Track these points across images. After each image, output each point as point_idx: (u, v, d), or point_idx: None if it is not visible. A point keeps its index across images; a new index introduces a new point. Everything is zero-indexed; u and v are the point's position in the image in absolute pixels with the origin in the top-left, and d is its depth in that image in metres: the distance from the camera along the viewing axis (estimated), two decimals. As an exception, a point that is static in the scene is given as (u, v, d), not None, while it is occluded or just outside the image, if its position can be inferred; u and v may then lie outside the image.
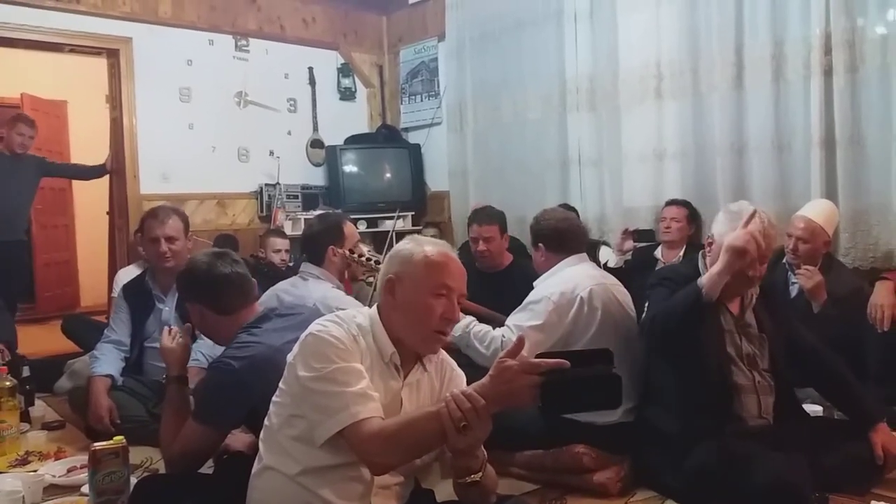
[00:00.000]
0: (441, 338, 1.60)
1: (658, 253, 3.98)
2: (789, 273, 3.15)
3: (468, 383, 1.49)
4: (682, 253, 3.88)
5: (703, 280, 2.09)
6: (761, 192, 3.80)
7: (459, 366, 1.77)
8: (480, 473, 1.49)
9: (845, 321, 2.90)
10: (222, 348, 2.05)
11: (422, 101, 5.92)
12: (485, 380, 1.38)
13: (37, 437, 2.97)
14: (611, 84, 4.44)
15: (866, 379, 2.73)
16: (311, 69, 5.78)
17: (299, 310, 2.16)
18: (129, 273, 3.66)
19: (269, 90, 5.54)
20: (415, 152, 5.83)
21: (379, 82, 6.20)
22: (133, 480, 2.01)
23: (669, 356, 2.27)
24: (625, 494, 2.30)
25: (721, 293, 2.23)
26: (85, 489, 2.13)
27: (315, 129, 5.80)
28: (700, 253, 2.40)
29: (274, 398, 1.61)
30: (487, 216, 3.66)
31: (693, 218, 3.96)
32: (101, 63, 5.14)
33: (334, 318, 1.59)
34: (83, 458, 2.31)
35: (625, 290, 2.69)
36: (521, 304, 2.60)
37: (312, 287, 2.81)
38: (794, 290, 3.12)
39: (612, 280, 2.69)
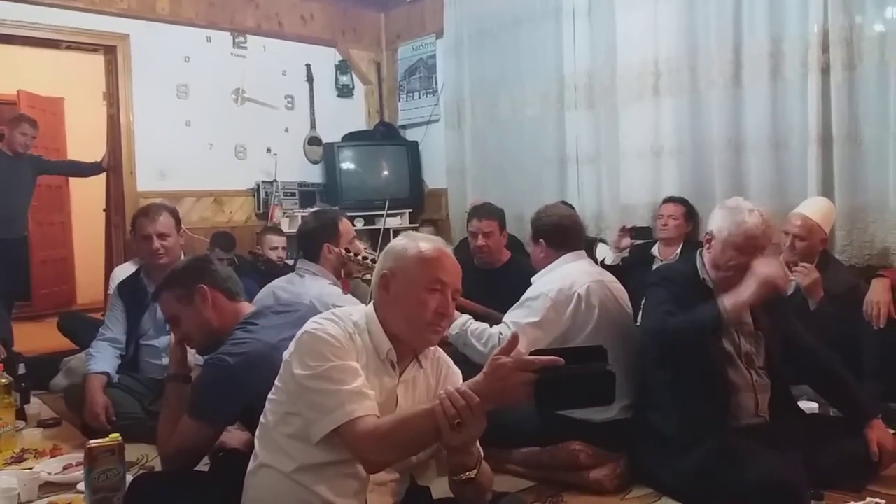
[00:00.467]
0: (437, 331, 1.60)
1: (655, 250, 3.98)
2: (786, 270, 3.14)
3: (465, 381, 1.49)
4: (679, 250, 3.88)
5: (727, 305, 2.08)
6: (758, 189, 3.80)
7: (457, 363, 1.77)
8: (475, 471, 1.49)
9: (842, 318, 2.90)
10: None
11: (420, 98, 5.92)
12: (479, 377, 1.38)
13: (32, 435, 2.97)
14: (609, 81, 4.44)
15: (862, 375, 2.74)
16: (308, 66, 5.78)
17: (296, 307, 2.15)
18: (125, 270, 3.65)
19: (267, 87, 5.54)
20: (412, 149, 5.83)
21: (377, 79, 6.20)
22: (129, 478, 2.00)
23: (669, 359, 2.26)
24: (621, 491, 2.30)
25: (723, 288, 2.24)
26: (81, 487, 2.13)
27: (313, 126, 5.80)
28: (698, 251, 2.39)
29: (270, 396, 1.61)
30: (487, 211, 3.66)
31: (690, 215, 3.96)
32: (98, 60, 5.13)
33: (330, 316, 1.59)
34: (79, 456, 2.31)
35: (622, 287, 2.69)
36: (518, 300, 2.60)
37: (309, 284, 2.80)
38: (790, 288, 3.11)
39: (609, 277, 2.69)
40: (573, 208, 3.74)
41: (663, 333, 2.21)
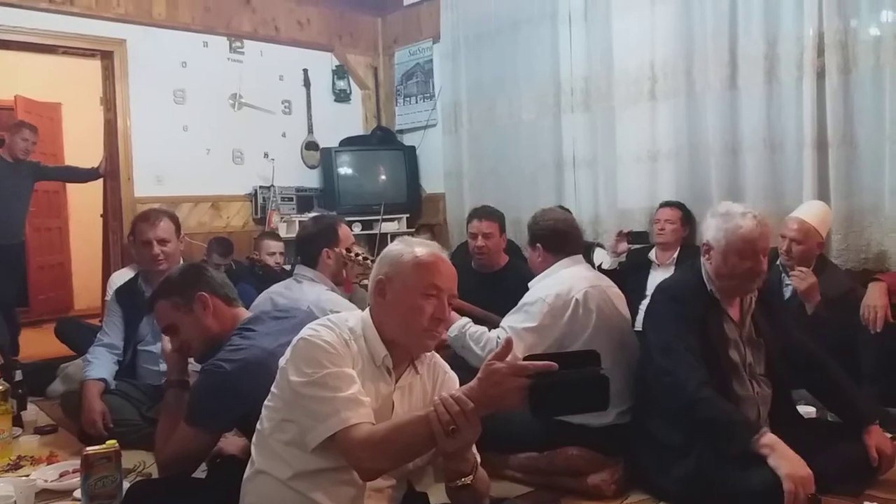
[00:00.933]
0: (433, 336, 1.60)
1: (652, 255, 3.99)
2: (783, 275, 3.15)
3: (462, 386, 1.48)
4: (675, 255, 3.88)
5: (765, 448, 1.97)
6: (754, 192, 3.81)
7: (454, 368, 1.77)
8: (471, 476, 1.49)
9: (839, 322, 2.91)
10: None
11: (417, 102, 5.92)
12: (473, 383, 1.38)
13: (29, 442, 2.96)
14: (605, 85, 4.45)
15: (859, 379, 2.74)
16: (305, 71, 5.78)
17: (293, 313, 2.15)
18: (122, 276, 3.64)
19: (264, 92, 5.54)
20: (410, 154, 5.82)
21: (374, 84, 6.20)
22: (126, 485, 2.00)
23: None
24: (619, 497, 2.30)
25: (726, 295, 2.24)
26: (77, 494, 2.12)
27: (310, 131, 5.80)
28: (702, 261, 2.36)
29: (266, 402, 1.61)
30: (487, 213, 3.67)
31: (687, 219, 3.97)
32: (95, 65, 5.13)
33: (326, 323, 1.59)
34: (76, 463, 2.31)
35: (619, 291, 2.70)
36: (516, 305, 2.60)
37: (307, 290, 2.80)
38: (787, 292, 3.12)
39: (607, 282, 2.69)
40: (570, 213, 3.76)
41: (690, 405, 2.11)
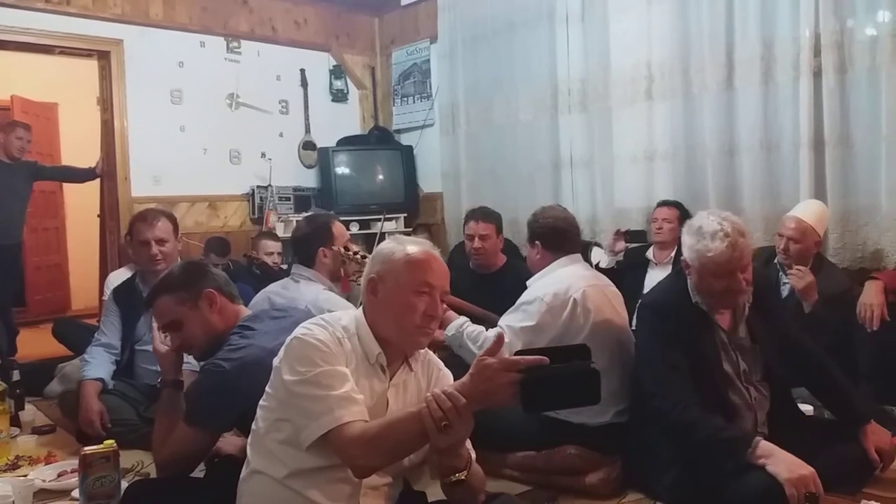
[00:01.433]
0: (426, 333, 1.60)
1: (650, 253, 3.99)
2: (780, 273, 3.16)
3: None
4: (673, 253, 3.88)
5: (761, 458, 1.95)
6: (751, 192, 3.82)
7: (450, 367, 1.77)
8: (465, 472, 1.49)
9: (836, 321, 2.91)
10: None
11: (414, 102, 5.92)
12: (465, 378, 1.38)
13: (27, 442, 2.96)
14: (602, 85, 4.45)
15: (856, 378, 2.75)
16: (302, 71, 5.77)
17: (291, 312, 2.15)
18: (120, 276, 3.64)
19: (261, 92, 5.53)
20: (407, 154, 5.82)
21: (371, 84, 6.20)
22: (124, 484, 2.00)
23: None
24: (616, 495, 2.30)
25: (712, 308, 2.21)
26: (75, 493, 2.12)
27: (307, 130, 5.79)
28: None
29: (261, 402, 1.61)
30: (484, 214, 3.67)
31: (684, 218, 3.96)
32: (91, 65, 5.13)
33: (319, 321, 1.59)
34: (74, 463, 2.30)
35: (617, 291, 2.70)
36: (514, 304, 2.60)
37: (304, 289, 2.80)
38: (785, 291, 3.13)
39: (604, 281, 2.70)
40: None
41: (678, 431, 2.10)
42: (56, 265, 7.05)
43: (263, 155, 5.53)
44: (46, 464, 2.64)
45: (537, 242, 2.67)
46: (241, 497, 1.62)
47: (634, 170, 4.36)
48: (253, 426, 1.63)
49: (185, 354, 2.91)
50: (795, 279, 2.99)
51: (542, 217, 2.70)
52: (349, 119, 6.09)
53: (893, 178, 3.36)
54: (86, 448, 1.98)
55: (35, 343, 4.87)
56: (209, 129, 5.26)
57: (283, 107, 5.70)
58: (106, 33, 4.84)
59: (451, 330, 2.62)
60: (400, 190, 5.73)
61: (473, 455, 1.57)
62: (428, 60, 5.76)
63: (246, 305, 2.33)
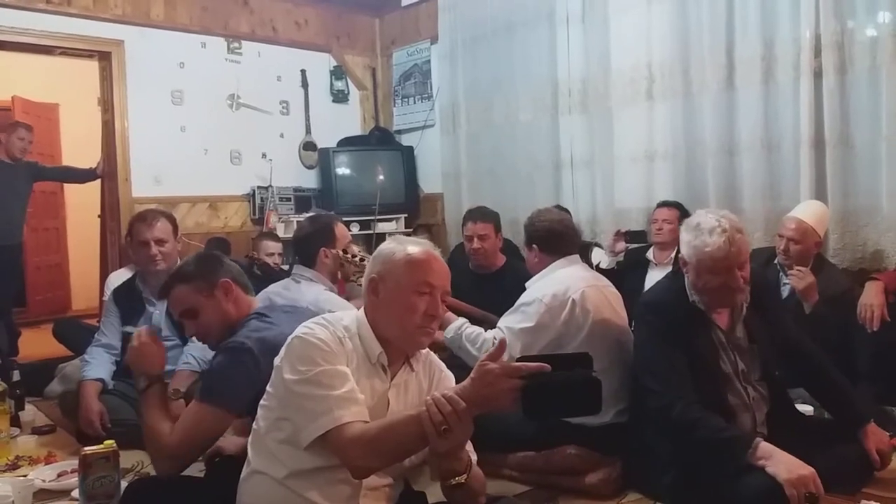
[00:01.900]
0: (427, 333, 1.60)
1: (650, 254, 3.99)
2: (781, 274, 3.16)
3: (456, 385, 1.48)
4: (673, 254, 3.88)
5: (761, 459, 1.95)
6: (751, 192, 3.82)
7: (451, 368, 1.77)
8: (465, 475, 1.48)
9: (836, 321, 2.91)
10: (212, 353, 2.05)
11: (414, 103, 5.92)
12: (466, 382, 1.38)
13: (27, 442, 2.96)
14: (602, 86, 4.45)
15: (857, 378, 2.74)
16: (303, 72, 5.78)
17: (301, 309, 2.22)
18: (120, 276, 3.64)
19: (262, 93, 5.54)
20: (408, 154, 5.83)
21: (372, 84, 6.20)
22: (123, 485, 2.00)
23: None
24: (616, 496, 2.30)
25: (709, 307, 2.21)
26: (75, 494, 2.12)
27: (308, 131, 5.80)
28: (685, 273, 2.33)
29: (262, 402, 1.62)
30: (482, 214, 3.67)
31: (684, 219, 3.95)
32: (92, 66, 5.13)
33: (320, 321, 1.59)
34: (74, 463, 2.30)
35: (617, 291, 2.70)
36: (513, 305, 2.60)
37: (305, 289, 2.80)
38: (785, 291, 3.12)
39: (604, 282, 2.70)
40: (568, 212, 3.77)
41: (678, 430, 2.10)
42: (56, 265, 7.06)
43: (264, 155, 5.53)
44: (46, 464, 2.64)
45: (534, 246, 2.68)
46: (241, 497, 1.62)
47: (635, 170, 4.36)
48: (254, 426, 1.63)
49: (183, 354, 2.93)
50: (796, 280, 2.98)
51: (538, 220, 2.71)
52: (350, 120, 6.09)
53: (894, 178, 3.36)
54: (86, 448, 1.98)
55: (35, 343, 4.87)
56: (210, 129, 5.26)
57: (283, 107, 5.71)
58: (107, 34, 4.84)
59: (449, 332, 2.63)
60: (400, 190, 5.73)
61: (474, 458, 1.56)
62: (428, 61, 5.76)
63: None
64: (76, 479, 2.04)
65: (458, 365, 2.19)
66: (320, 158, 5.76)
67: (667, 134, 4.21)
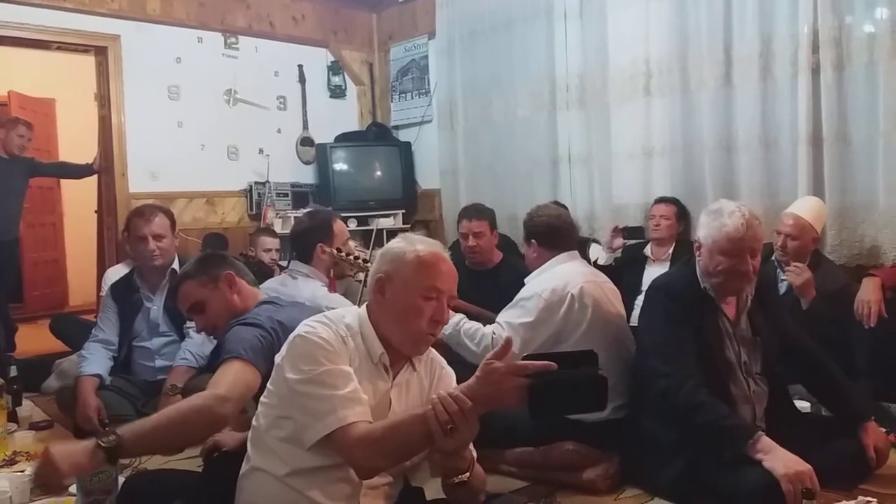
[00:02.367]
0: (428, 339, 1.59)
1: (648, 250, 3.99)
2: (778, 270, 3.16)
3: (458, 382, 1.48)
4: (671, 250, 3.89)
5: (759, 453, 1.97)
6: (749, 189, 3.82)
7: (450, 363, 1.76)
8: (468, 474, 1.49)
9: (833, 317, 2.92)
10: (210, 347, 2.06)
11: (412, 98, 5.91)
12: (471, 381, 1.37)
13: (24, 437, 2.95)
14: (600, 82, 4.45)
15: (855, 374, 2.75)
16: (300, 67, 5.76)
17: (306, 305, 2.27)
18: (117, 272, 3.64)
19: (259, 88, 5.52)
20: (405, 150, 5.82)
21: (369, 80, 6.19)
22: (121, 480, 1.99)
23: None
24: (614, 491, 2.31)
25: (718, 293, 2.23)
26: (73, 489, 2.11)
27: (305, 126, 5.78)
28: (696, 258, 2.37)
29: (262, 399, 1.61)
30: (477, 211, 3.66)
31: (682, 215, 3.98)
32: (89, 60, 5.11)
33: (322, 319, 1.58)
34: (71, 458, 2.29)
35: (615, 287, 2.71)
36: (511, 301, 2.60)
37: (302, 286, 2.80)
38: (782, 288, 3.13)
39: (602, 277, 2.70)
40: (566, 208, 3.78)
41: (685, 410, 2.10)
42: (54, 261, 7.04)
43: (261, 151, 5.52)
44: (44, 459, 2.63)
45: (533, 241, 2.68)
46: (241, 493, 1.62)
47: (632, 166, 4.36)
48: (254, 422, 1.62)
49: (181, 350, 2.93)
50: (793, 276, 2.99)
51: (536, 216, 2.71)
52: (347, 115, 6.08)
53: (891, 174, 3.37)
54: (83, 444, 1.98)
55: (32, 339, 4.87)
56: (207, 124, 5.25)
57: (280, 103, 5.69)
58: (103, 29, 4.82)
59: (448, 329, 2.62)
60: (398, 186, 5.72)
61: (475, 455, 1.56)
62: (426, 56, 5.75)
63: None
64: (74, 474, 2.04)
65: (457, 361, 2.18)
66: (318, 154, 5.75)
67: (664, 130, 4.20)
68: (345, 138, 5.83)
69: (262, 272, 4.15)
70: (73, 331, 3.93)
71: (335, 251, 2.85)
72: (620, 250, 4.13)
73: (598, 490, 2.30)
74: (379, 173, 5.76)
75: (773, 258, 3.18)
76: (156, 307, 3.11)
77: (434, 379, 1.69)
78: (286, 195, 5.51)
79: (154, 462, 2.61)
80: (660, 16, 4.16)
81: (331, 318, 1.59)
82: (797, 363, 2.39)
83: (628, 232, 4.14)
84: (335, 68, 5.98)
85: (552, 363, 1.34)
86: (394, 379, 1.61)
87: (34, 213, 6.49)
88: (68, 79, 6.53)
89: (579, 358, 1.40)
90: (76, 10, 4.70)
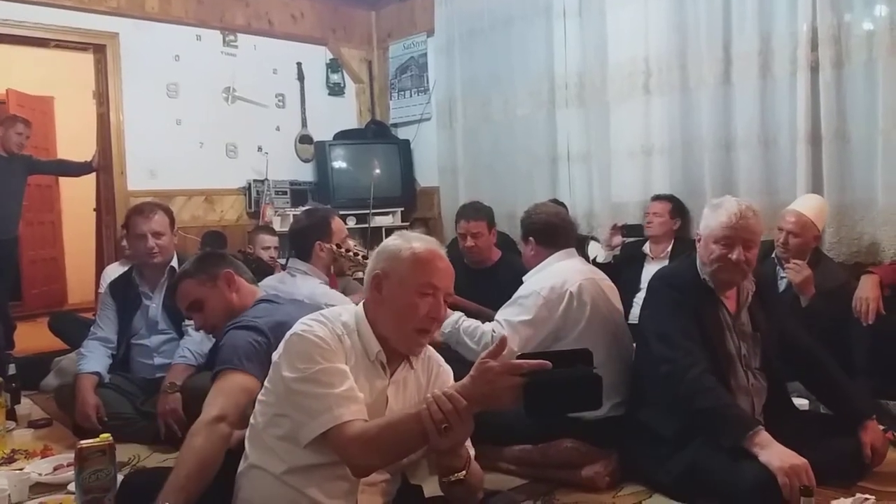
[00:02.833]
0: (425, 336, 1.59)
1: (646, 248, 4.00)
2: (778, 267, 3.16)
3: (457, 380, 1.48)
4: (669, 248, 3.89)
5: (756, 446, 1.98)
6: (748, 187, 3.82)
7: (448, 361, 1.76)
8: (464, 472, 1.49)
9: (832, 315, 2.92)
10: (209, 345, 2.06)
11: (411, 96, 5.91)
12: (466, 380, 1.37)
13: (23, 435, 2.96)
14: (599, 80, 4.45)
15: (853, 372, 2.75)
16: (299, 64, 5.76)
17: (306, 303, 2.27)
18: (116, 270, 3.65)
19: (258, 86, 5.52)
20: (404, 148, 5.82)
21: (368, 78, 6.18)
22: (120, 478, 1.99)
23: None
24: (613, 488, 2.30)
25: (715, 284, 2.25)
26: (71, 487, 2.12)
27: (304, 124, 5.78)
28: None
29: (259, 397, 1.61)
30: (475, 211, 3.66)
31: (678, 212, 3.98)
32: (87, 58, 5.10)
33: (319, 318, 1.58)
34: (70, 456, 2.30)
35: (613, 285, 2.70)
36: (510, 299, 2.60)
37: (300, 283, 2.80)
38: (782, 285, 3.13)
39: (600, 275, 2.70)
40: (564, 206, 3.77)
41: (691, 393, 2.10)
42: (52, 259, 7.03)
43: (260, 149, 5.52)
44: (43, 457, 2.63)
45: (531, 239, 2.68)
46: (239, 490, 1.62)
47: (631, 164, 4.36)
48: (251, 420, 1.62)
49: (179, 348, 2.94)
50: (793, 273, 2.99)
51: (534, 214, 2.72)
52: (346, 113, 6.08)
53: (889, 172, 3.37)
54: (82, 442, 1.97)
55: (31, 337, 4.86)
56: (205, 122, 5.25)
57: (279, 100, 5.69)
58: (102, 26, 4.82)
59: (446, 327, 2.62)
60: (397, 184, 5.72)
61: (472, 453, 1.56)
62: (425, 54, 5.75)
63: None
64: (72, 472, 2.04)
65: (457, 359, 2.18)
66: (316, 152, 5.75)
67: (664, 128, 4.21)
68: (344, 136, 5.83)
69: (261, 270, 4.15)
70: (72, 329, 3.93)
71: (334, 247, 2.85)
72: (619, 248, 4.14)
73: (597, 487, 2.30)
74: (378, 171, 5.74)
75: (773, 255, 3.19)
76: (155, 305, 3.10)
77: (431, 376, 1.68)
78: (285, 193, 5.51)
79: (152, 460, 2.62)
80: (659, 13, 4.16)
81: (327, 316, 1.59)
82: (796, 360, 2.39)
83: (627, 230, 4.14)
84: (334, 66, 5.98)
85: (547, 362, 1.34)
86: (391, 377, 1.60)
87: (33, 211, 6.48)
88: (67, 77, 6.52)
89: (574, 356, 1.39)
90: (75, 8, 4.70)
